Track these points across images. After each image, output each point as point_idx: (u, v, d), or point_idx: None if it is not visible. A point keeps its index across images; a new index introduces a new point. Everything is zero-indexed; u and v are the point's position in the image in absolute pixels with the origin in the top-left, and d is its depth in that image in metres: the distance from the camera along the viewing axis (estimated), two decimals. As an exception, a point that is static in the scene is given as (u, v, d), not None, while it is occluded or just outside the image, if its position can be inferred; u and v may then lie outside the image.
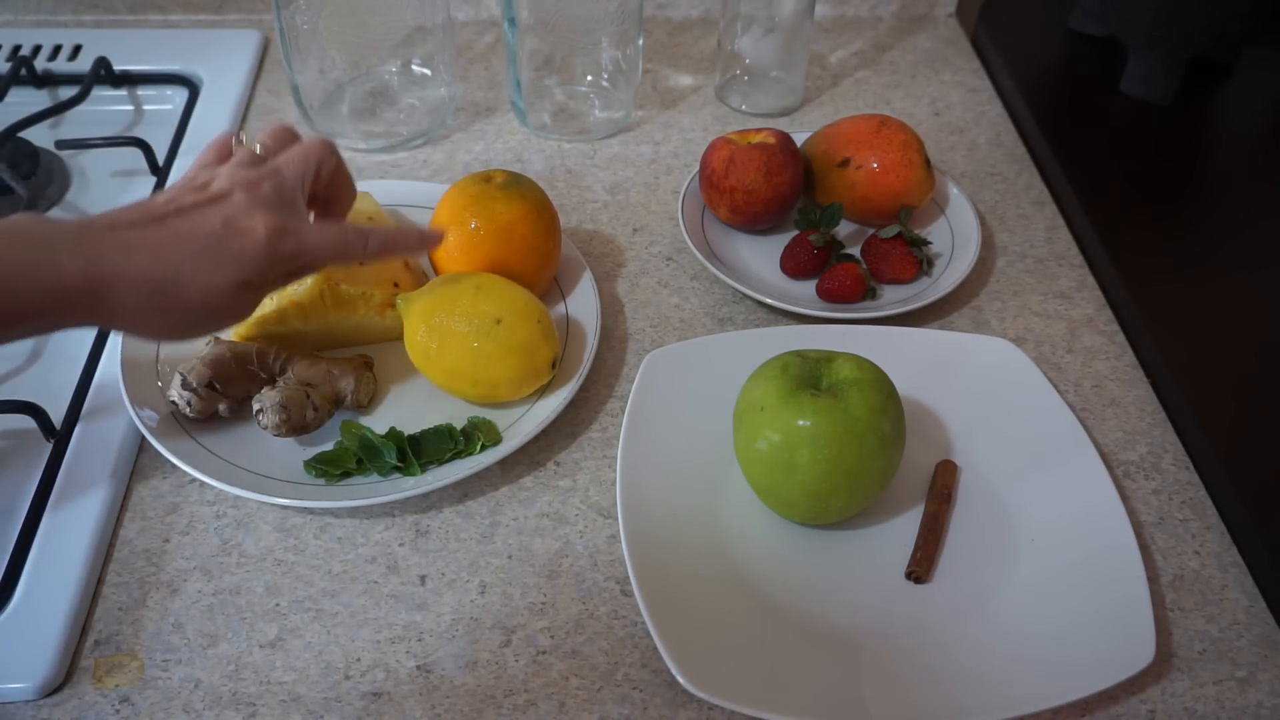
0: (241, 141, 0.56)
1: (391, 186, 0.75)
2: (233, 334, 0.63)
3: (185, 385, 0.58)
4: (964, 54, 0.95)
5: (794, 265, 0.70)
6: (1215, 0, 0.80)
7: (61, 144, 0.79)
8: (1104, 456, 0.60)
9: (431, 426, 0.59)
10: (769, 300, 0.67)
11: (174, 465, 0.57)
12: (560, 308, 0.67)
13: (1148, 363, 0.66)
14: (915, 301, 0.67)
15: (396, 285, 0.64)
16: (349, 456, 0.58)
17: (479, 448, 0.58)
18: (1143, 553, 0.54)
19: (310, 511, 0.58)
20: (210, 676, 0.51)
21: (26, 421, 0.59)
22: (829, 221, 0.69)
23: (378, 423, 0.61)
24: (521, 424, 0.60)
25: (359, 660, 0.52)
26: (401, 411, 0.62)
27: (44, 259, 0.45)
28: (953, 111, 0.88)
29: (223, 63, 0.89)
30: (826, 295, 0.68)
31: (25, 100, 0.85)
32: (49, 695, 0.50)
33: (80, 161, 0.81)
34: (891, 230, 0.69)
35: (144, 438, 0.60)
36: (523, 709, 0.50)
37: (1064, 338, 0.68)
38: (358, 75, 0.84)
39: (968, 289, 0.71)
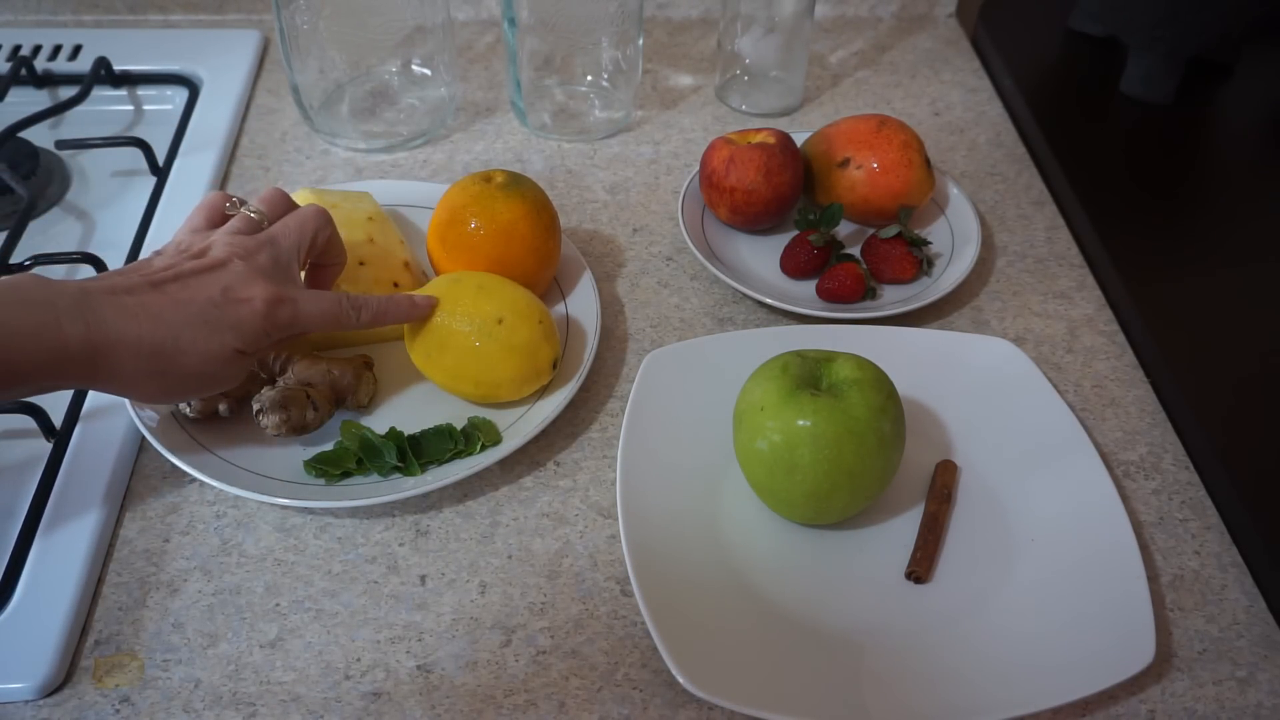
0: (235, 204, 0.57)
1: (391, 186, 0.75)
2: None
3: (185, 385, 0.58)
4: (964, 54, 0.95)
5: (794, 265, 0.70)
6: (1215, 0, 0.80)
7: (61, 144, 0.79)
8: (1104, 456, 0.60)
9: (431, 426, 0.59)
10: (769, 300, 0.67)
11: (174, 465, 0.57)
12: (560, 308, 0.67)
13: (1148, 363, 0.66)
14: (915, 301, 0.67)
15: (396, 285, 0.64)
16: (349, 456, 0.58)
17: (479, 448, 0.59)
18: (1143, 552, 0.54)
19: (310, 511, 0.58)
20: (210, 676, 0.51)
21: (26, 421, 0.59)
22: (829, 221, 0.69)
23: (378, 423, 0.61)
24: (521, 424, 0.60)
25: (359, 660, 0.52)
26: (401, 411, 0.62)
27: (46, 321, 0.46)
28: (953, 111, 0.88)
29: (223, 63, 0.89)
30: (826, 295, 0.68)
31: (25, 100, 0.85)
32: (49, 695, 0.50)
33: (80, 161, 0.81)
34: (891, 230, 0.69)
35: (144, 438, 0.60)
36: (523, 709, 0.50)
37: (1064, 338, 0.68)
38: (358, 75, 0.84)
39: (968, 289, 0.71)
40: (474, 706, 0.50)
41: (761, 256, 0.72)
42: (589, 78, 0.84)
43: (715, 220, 0.75)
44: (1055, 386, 0.63)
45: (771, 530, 0.57)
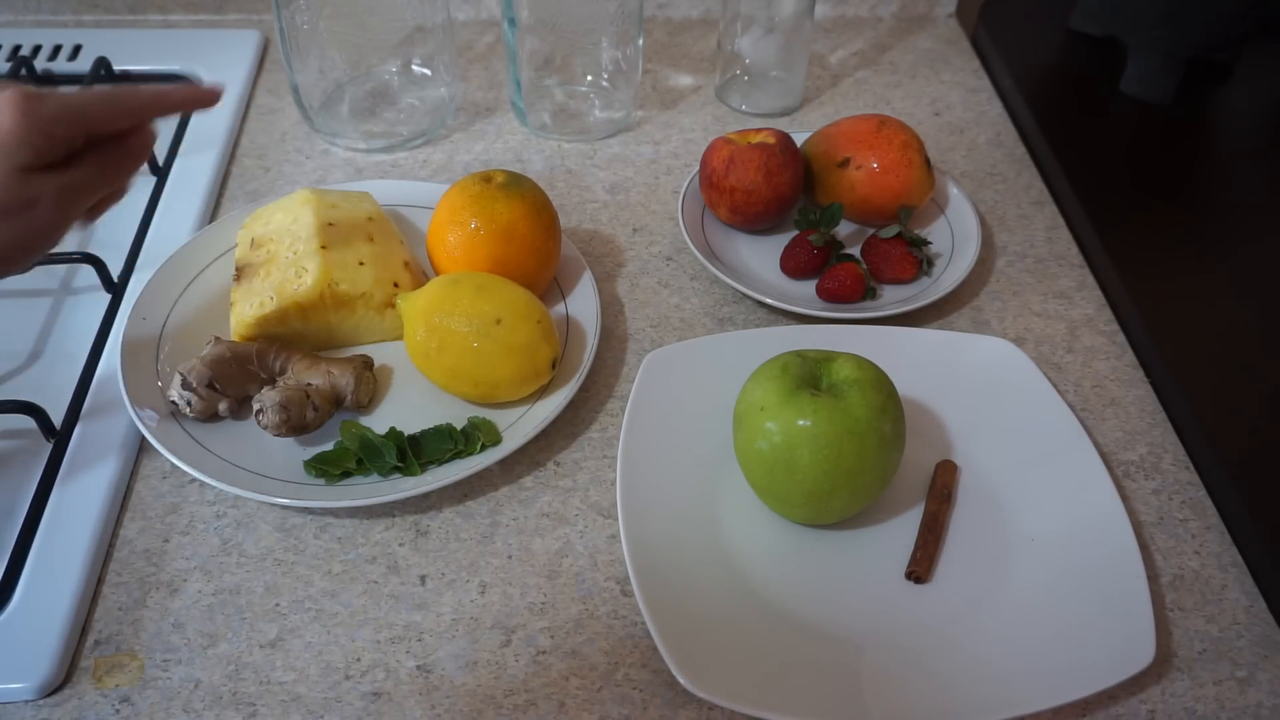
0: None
1: (391, 186, 0.75)
2: (233, 334, 0.63)
3: (185, 385, 0.58)
4: (964, 54, 0.95)
5: (794, 265, 0.70)
6: (1215, 0, 0.80)
7: (61, 144, 0.79)
8: (1104, 456, 0.60)
9: (431, 426, 0.59)
10: (769, 300, 0.67)
11: (174, 465, 0.57)
12: (560, 308, 0.67)
13: (1148, 363, 0.66)
14: (915, 301, 0.67)
15: (396, 285, 0.64)
16: (349, 456, 0.58)
17: (479, 448, 0.58)
18: (1143, 553, 0.55)
19: (310, 511, 0.58)
20: (210, 676, 0.51)
21: (26, 421, 0.59)
22: (829, 221, 0.69)
23: (378, 423, 0.61)
24: (521, 424, 0.60)
25: (359, 660, 0.52)
26: (401, 411, 0.62)
27: None
28: (953, 111, 0.88)
29: (223, 63, 0.89)
30: (826, 295, 0.68)
31: (25, 100, 0.85)
32: (49, 695, 0.50)
33: (80, 161, 0.81)
34: (891, 230, 0.69)
35: (144, 438, 0.60)
36: (523, 709, 0.50)
37: (1064, 338, 0.68)
38: (358, 75, 0.84)
39: (968, 289, 0.71)
40: (474, 706, 0.50)
41: (761, 256, 0.72)
42: (589, 78, 0.84)
43: (715, 220, 0.75)
44: (1055, 386, 0.63)
45: (771, 530, 0.57)
